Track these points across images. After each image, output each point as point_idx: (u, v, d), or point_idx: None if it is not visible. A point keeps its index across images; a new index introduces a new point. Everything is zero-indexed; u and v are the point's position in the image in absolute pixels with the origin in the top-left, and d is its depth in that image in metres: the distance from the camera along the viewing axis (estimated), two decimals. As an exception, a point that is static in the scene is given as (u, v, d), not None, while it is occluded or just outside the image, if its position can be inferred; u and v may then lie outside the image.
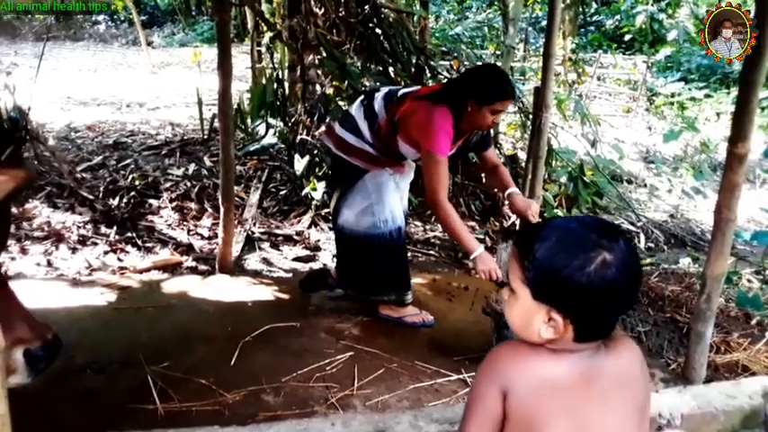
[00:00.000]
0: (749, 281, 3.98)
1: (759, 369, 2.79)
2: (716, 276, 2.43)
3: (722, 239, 2.38)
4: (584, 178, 5.21)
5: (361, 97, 3.00)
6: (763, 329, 3.25)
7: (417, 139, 2.67)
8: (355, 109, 2.94)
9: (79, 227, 4.22)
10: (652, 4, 15.82)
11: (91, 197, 4.65)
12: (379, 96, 2.87)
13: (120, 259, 3.90)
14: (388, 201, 2.89)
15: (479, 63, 6.33)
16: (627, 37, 16.27)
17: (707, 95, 11.09)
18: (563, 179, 5.23)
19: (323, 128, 3.10)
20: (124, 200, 4.68)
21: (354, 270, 3.11)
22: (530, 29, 14.53)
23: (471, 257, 2.66)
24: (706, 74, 13.33)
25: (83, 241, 4.06)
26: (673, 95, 11.42)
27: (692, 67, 13.72)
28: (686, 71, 13.64)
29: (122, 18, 22.07)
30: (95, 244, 4.05)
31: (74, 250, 3.95)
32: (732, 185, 2.31)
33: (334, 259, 3.91)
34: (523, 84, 9.12)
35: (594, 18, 18.06)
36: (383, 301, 3.09)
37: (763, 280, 3.99)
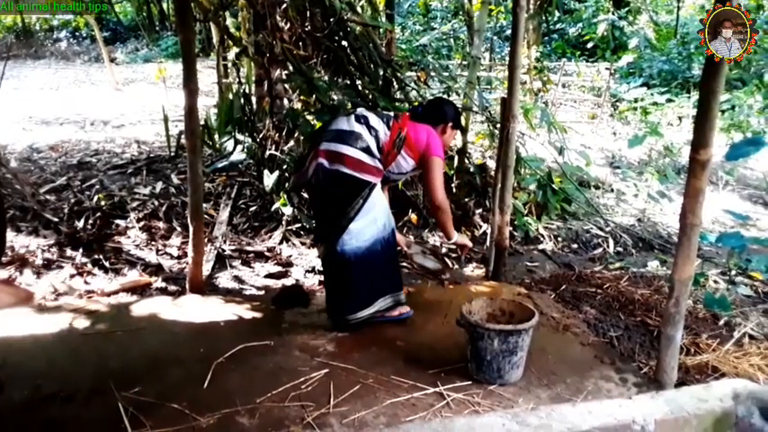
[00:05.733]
0: (716, 282, 4.07)
1: (728, 369, 2.84)
2: (683, 280, 2.47)
3: (688, 244, 2.42)
4: (553, 185, 5.28)
5: (354, 116, 3.10)
6: (730, 330, 3.32)
7: (423, 148, 3.13)
8: (357, 127, 3.03)
9: (44, 250, 4.13)
10: (613, 13, 16.18)
11: (55, 219, 4.56)
12: (373, 117, 3.12)
13: (87, 282, 3.83)
14: (384, 205, 3.12)
15: (445, 73, 6.39)
16: (589, 44, 16.59)
17: (669, 100, 11.30)
18: (532, 187, 5.29)
19: (320, 157, 3.01)
20: (90, 221, 4.60)
21: (360, 289, 3.08)
22: (495, 38, 14.71)
23: (452, 240, 3.41)
24: (667, 79, 13.61)
25: (48, 265, 3.97)
26: (636, 101, 11.62)
27: (654, 72, 14.01)
28: (648, 77, 13.92)
29: (84, 35, 21.75)
30: (61, 267, 3.96)
31: (38, 274, 3.86)
32: (696, 191, 2.36)
33: (320, 285, 3.87)
34: (490, 93, 9.21)
35: (558, 26, 18.38)
36: (384, 310, 3.15)
37: (728, 281, 4.07)
